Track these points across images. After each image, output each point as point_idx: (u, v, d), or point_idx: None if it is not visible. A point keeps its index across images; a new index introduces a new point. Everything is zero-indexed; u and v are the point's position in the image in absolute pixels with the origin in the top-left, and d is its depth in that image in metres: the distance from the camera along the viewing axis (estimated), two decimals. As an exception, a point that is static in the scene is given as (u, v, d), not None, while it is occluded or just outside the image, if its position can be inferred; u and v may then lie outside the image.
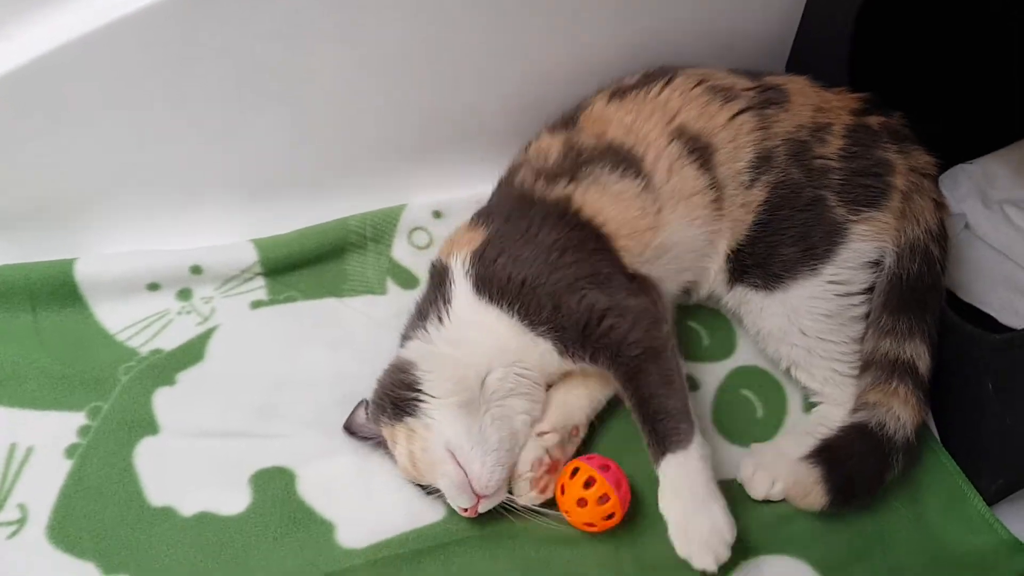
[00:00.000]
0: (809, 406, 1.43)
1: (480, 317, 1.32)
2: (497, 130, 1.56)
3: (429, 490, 1.28)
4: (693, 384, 1.46)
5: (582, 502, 1.23)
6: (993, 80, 1.66)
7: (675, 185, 1.38)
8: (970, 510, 1.31)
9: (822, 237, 1.36)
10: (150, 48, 1.39)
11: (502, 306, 1.30)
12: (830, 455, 1.28)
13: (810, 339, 1.36)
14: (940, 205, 1.43)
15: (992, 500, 1.31)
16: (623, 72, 1.54)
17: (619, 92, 1.48)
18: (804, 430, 1.36)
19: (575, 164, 1.40)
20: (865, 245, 1.36)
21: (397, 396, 1.30)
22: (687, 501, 1.19)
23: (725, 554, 1.16)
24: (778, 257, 1.37)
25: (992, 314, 1.53)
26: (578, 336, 1.29)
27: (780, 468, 1.31)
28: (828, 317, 1.35)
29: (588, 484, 1.23)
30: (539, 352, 1.31)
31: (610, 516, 1.24)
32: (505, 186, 1.48)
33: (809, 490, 1.26)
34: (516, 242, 1.33)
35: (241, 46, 1.42)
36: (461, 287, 1.33)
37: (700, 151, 1.39)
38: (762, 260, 1.38)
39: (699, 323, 1.55)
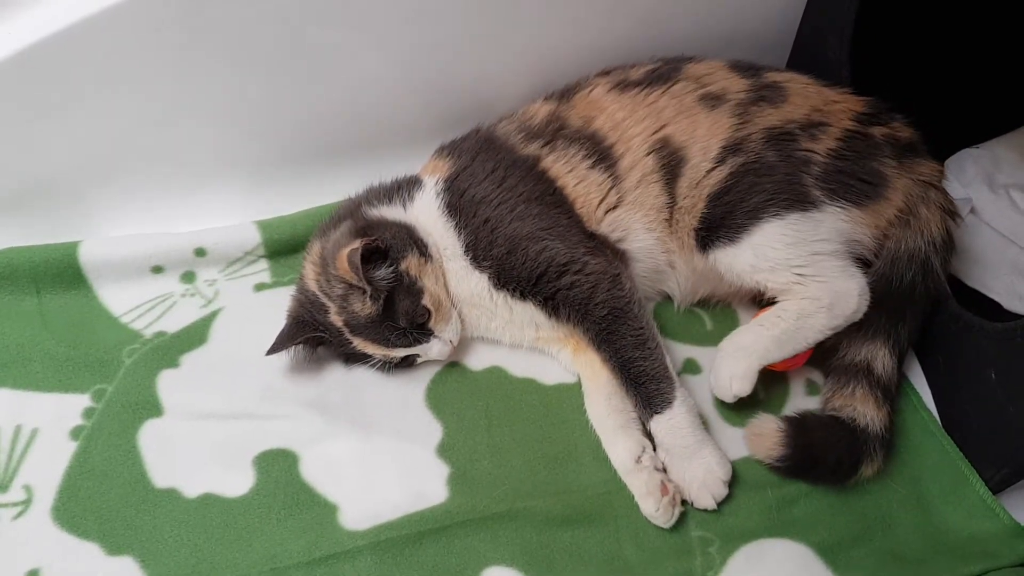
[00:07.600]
0: (812, 389, 1.43)
1: (438, 229, 1.41)
2: (501, 112, 1.56)
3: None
4: (695, 368, 1.46)
5: None
6: (999, 64, 1.65)
7: (640, 194, 1.42)
8: (972, 495, 1.30)
9: (790, 195, 1.32)
10: (154, 30, 1.39)
11: (459, 234, 1.39)
12: (800, 422, 1.32)
13: (774, 262, 1.32)
14: (949, 213, 1.40)
15: (996, 489, 1.30)
16: (625, 57, 1.54)
17: (623, 84, 1.47)
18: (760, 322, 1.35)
19: (554, 133, 1.45)
20: (841, 225, 1.33)
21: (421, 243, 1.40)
22: (680, 453, 1.29)
23: (722, 492, 1.28)
24: (741, 209, 1.34)
25: (996, 299, 1.53)
26: (529, 282, 1.36)
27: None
28: (792, 246, 1.32)
29: None
30: (473, 281, 1.40)
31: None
32: (483, 131, 1.52)
33: (766, 436, 1.30)
34: (483, 181, 1.40)
35: (245, 27, 1.42)
36: (429, 201, 1.42)
37: (672, 168, 1.40)
38: (722, 218, 1.35)
39: (701, 308, 1.55)
